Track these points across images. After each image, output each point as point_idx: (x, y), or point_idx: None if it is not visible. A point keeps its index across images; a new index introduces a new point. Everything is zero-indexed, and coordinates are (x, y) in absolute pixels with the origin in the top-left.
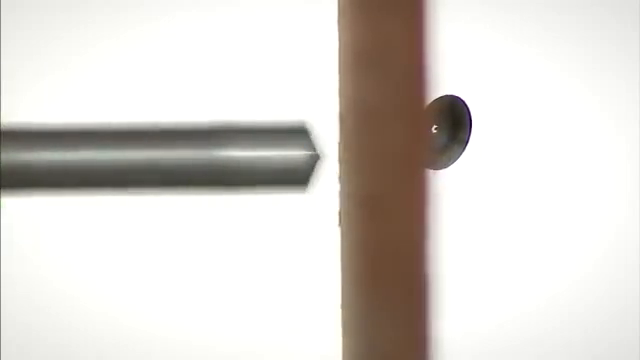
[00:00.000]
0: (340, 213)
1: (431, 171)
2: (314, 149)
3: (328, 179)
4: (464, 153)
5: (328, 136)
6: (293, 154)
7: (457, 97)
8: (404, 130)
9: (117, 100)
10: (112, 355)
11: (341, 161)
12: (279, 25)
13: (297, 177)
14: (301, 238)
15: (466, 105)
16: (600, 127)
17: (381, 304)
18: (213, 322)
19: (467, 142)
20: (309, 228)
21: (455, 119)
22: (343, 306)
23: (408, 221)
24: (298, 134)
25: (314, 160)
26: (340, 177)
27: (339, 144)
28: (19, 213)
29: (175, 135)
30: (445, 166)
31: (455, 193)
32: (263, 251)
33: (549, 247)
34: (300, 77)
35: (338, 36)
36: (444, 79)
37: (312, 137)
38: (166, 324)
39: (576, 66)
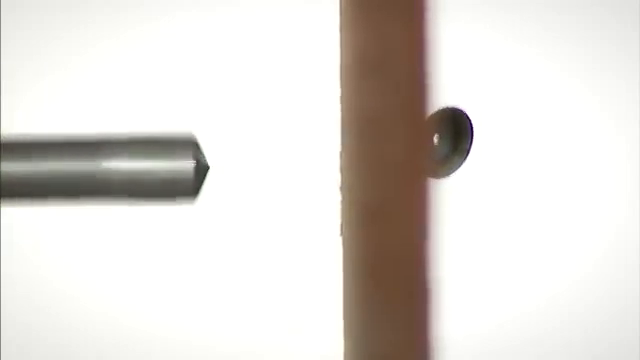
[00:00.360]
0: (342, 223)
1: (433, 180)
2: (201, 159)
3: (329, 185)
4: (465, 161)
5: (329, 143)
6: (179, 164)
7: (458, 108)
8: (406, 138)
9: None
10: (112, 355)
11: (342, 170)
12: (279, 30)
13: (184, 188)
14: (302, 240)
15: (467, 116)
16: (600, 128)
17: (382, 309)
18: (214, 323)
19: (468, 152)
20: (311, 231)
21: (457, 130)
22: (345, 312)
23: (409, 228)
24: (185, 145)
25: (201, 170)
26: (342, 186)
27: (340, 153)
28: (19, 214)
29: (59, 147)
30: (446, 176)
31: (455, 192)
32: (265, 253)
33: (549, 247)
34: (301, 82)
35: (339, 43)
36: (445, 85)
37: (199, 148)
38: (166, 324)
39: (576, 66)
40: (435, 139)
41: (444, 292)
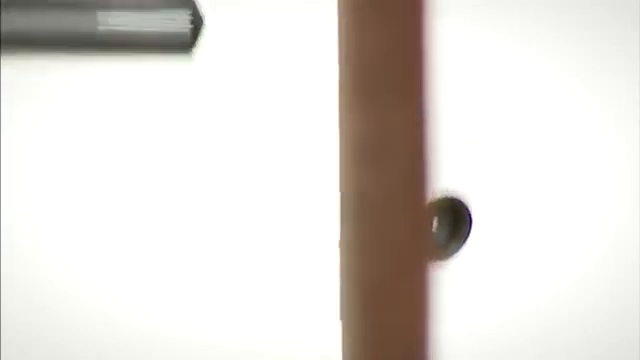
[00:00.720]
0: (341, 302)
1: (432, 263)
2: (197, 14)
3: (328, 186)
4: (463, 247)
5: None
6: (176, 17)
7: (457, 197)
8: (406, 224)
9: None
10: (112, 354)
11: (342, 249)
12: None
13: (181, 41)
14: (301, 241)
15: (466, 204)
16: (600, 129)
17: None
18: (212, 322)
19: (467, 239)
20: (309, 231)
21: (456, 216)
22: None
23: (410, 310)
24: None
25: (197, 24)
26: (341, 265)
27: (340, 233)
28: (19, 213)
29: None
30: (445, 259)
31: (455, 191)
32: (266, 254)
33: (549, 248)
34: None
35: (339, 128)
36: (445, 86)
37: (196, 3)
38: (165, 325)
39: (576, 67)
40: (434, 224)
41: (445, 291)
